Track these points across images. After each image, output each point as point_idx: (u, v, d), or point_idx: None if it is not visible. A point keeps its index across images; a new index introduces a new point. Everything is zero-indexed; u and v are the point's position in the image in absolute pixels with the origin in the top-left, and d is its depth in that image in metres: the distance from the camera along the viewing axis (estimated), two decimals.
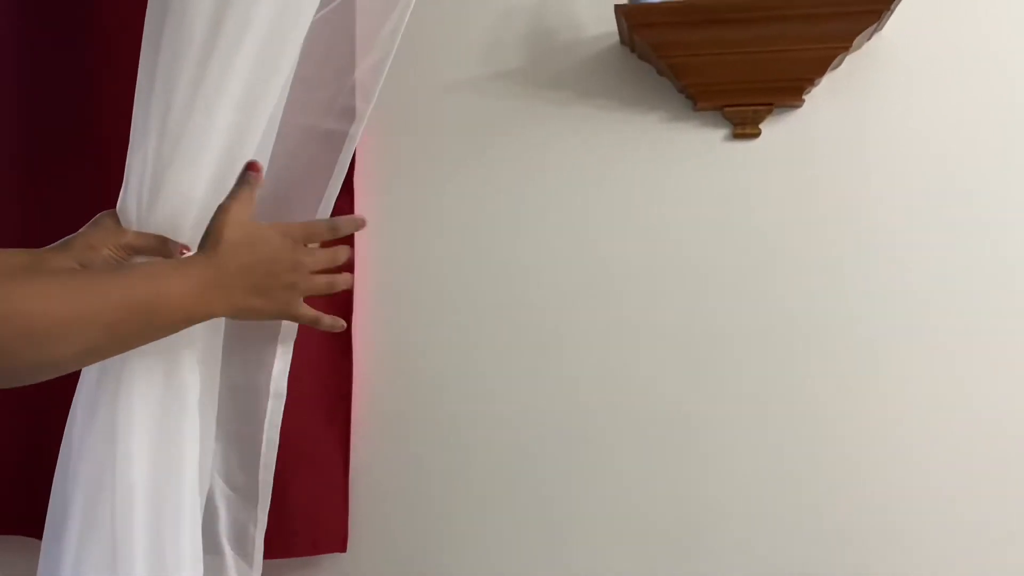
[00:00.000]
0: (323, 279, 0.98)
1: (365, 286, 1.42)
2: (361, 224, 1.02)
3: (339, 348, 1.40)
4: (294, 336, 1.14)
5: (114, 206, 1.02)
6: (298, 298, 0.95)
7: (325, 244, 1.01)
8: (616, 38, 1.38)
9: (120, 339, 0.80)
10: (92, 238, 0.96)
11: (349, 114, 1.10)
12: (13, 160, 1.48)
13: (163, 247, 0.96)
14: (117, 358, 0.90)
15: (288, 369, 1.13)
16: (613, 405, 1.37)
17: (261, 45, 0.96)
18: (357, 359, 1.41)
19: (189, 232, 0.97)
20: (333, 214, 1.39)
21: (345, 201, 1.40)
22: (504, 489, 1.39)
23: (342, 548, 1.39)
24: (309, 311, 0.98)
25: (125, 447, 0.92)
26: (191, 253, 0.95)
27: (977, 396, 1.28)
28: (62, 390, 1.40)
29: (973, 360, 1.28)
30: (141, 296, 0.80)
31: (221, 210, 0.91)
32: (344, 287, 1.00)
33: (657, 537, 1.35)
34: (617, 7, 1.29)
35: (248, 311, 0.91)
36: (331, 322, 1.01)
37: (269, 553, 1.35)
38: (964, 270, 1.29)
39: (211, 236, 0.90)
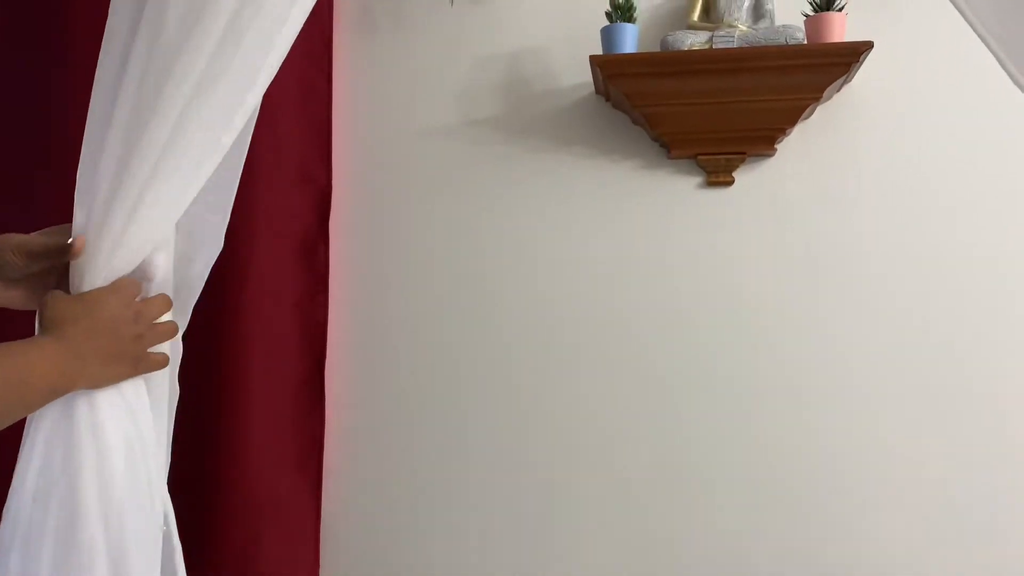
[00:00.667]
0: (168, 325, 0.97)
1: (339, 328, 1.41)
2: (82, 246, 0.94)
3: (312, 394, 1.38)
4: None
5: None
6: (146, 349, 0.94)
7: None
8: (591, 88, 1.40)
9: None
10: None
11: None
12: None
13: (65, 247, 0.93)
14: None
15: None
16: (586, 445, 1.36)
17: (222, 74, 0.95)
18: (329, 405, 1.40)
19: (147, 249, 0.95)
20: (310, 258, 1.40)
21: (320, 244, 1.41)
22: (477, 538, 1.37)
23: None
24: (158, 357, 0.96)
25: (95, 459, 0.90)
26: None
27: (926, 441, 1.29)
28: None
29: (936, 393, 1.30)
30: (10, 379, 0.82)
31: (52, 296, 0.92)
32: (177, 332, 0.98)
33: (647, 537, 1.34)
34: (592, 58, 1.31)
35: (109, 376, 0.91)
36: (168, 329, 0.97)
37: None
38: (934, 310, 1.31)
39: (48, 319, 0.90)
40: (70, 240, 0.92)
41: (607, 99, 1.40)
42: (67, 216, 0.97)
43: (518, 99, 1.43)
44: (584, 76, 1.38)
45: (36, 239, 0.94)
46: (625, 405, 1.36)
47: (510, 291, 1.40)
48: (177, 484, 1.02)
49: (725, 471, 1.33)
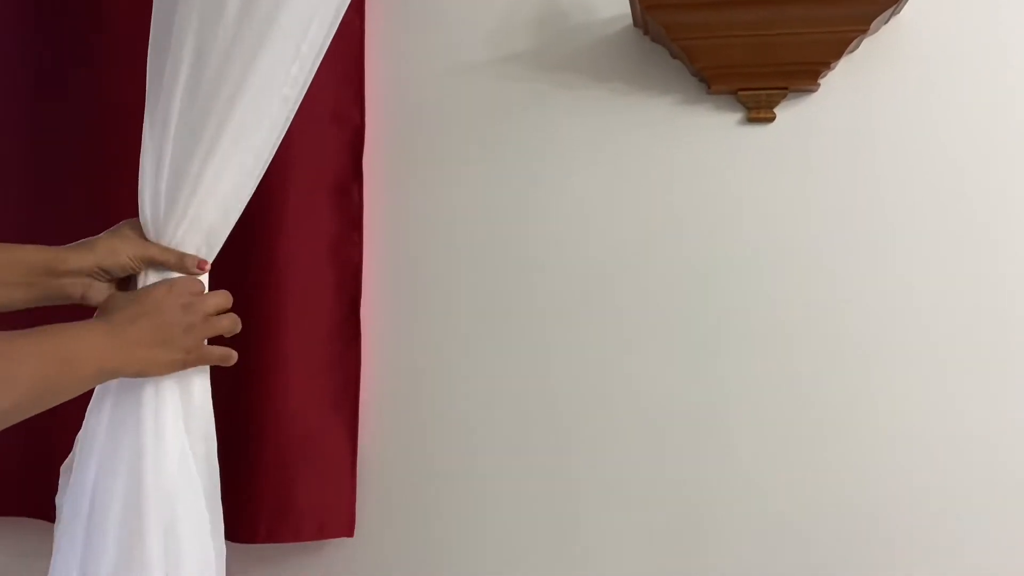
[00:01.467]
0: (225, 319, 1.02)
1: (373, 272, 1.41)
2: (194, 264, 1.02)
3: (347, 334, 1.39)
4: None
5: (124, 215, 1.04)
6: (201, 340, 0.99)
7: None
8: (629, 20, 1.36)
9: (40, 398, 0.85)
10: (114, 244, 1.00)
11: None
12: (24, 166, 1.47)
13: (180, 263, 1.00)
14: None
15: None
16: (618, 391, 1.35)
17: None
18: (365, 345, 1.40)
19: (204, 247, 1.02)
20: (343, 199, 1.39)
21: (355, 185, 1.40)
22: (511, 477, 1.38)
23: (349, 533, 1.39)
24: (215, 350, 1.01)
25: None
26: (207, 270, 1.02)
27: (978, 388, 1.27)
28: None
29: (979, 351, 1.27)
30: (59, 355, 0.85)
31: (111, 294, 0.99)
32: (238, 327, 1.04)
33: (659, 522, 1.34)
34: None
35: (157, 364, 0.95)
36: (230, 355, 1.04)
37: (276, 537, 1.36)
38: (975, 261, 1.27)
39: (102, 308, 0.97)
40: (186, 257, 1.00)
41: (645, 32, 1.36)
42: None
43: (553, 33, 1.39)
44: (622, 8, 1.34)
45: (154, 250, 1.00)
46: (660, 344, 1.34)
47: (545, 229, 1.38)
48: (215, 425, 1.04)
49: (756, 417, 1.32)
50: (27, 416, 0.85)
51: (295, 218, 1.36)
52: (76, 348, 0.88)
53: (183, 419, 0.99)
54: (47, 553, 1.43)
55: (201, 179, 0.98)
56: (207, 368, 1.03)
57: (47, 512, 1.43)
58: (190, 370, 1.00)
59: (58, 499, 1.03)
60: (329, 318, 1.38)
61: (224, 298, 1.02)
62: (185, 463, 0.98)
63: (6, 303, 0.96)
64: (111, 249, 0.98)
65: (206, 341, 1.00)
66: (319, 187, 1.38)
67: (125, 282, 1.02)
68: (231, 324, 1.02)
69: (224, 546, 1.04)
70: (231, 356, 1.03)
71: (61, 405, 1.37)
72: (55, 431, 1.41)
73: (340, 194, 1.40)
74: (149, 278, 1.00)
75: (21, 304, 0.97)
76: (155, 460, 0.96)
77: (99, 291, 1.00)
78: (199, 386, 1.01)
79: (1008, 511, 1.26)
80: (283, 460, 1.36)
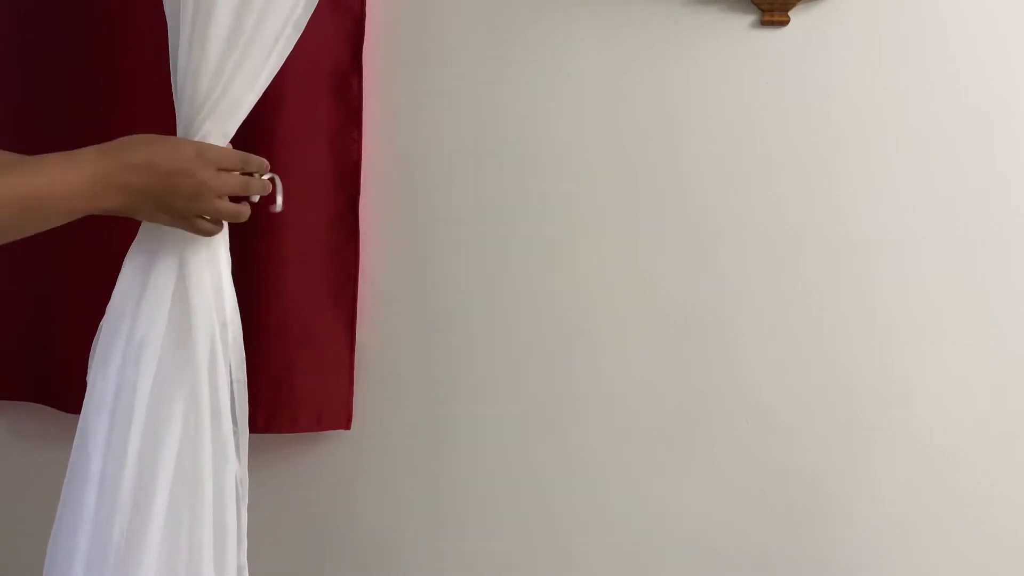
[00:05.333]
0: (231, 205, 0.98)
1: (372, 167, 1.39)
2: (260, 189, 1.02)
3: (346, 229, 1.38)
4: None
5: None
6: (196, 211, 0.96)
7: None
8: None
9: (5, 229, 0.84)
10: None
11: None
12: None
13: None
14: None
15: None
16: (620, 292, 1.36)
17: None
18: (364, 242, 1.40)
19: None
20: (342, 92, 1.36)
21: (354, 77, 1.36)
22: (508, 372, 1.40)
23: (346, 425, 1.41)
24: (207, 225, 0.99)
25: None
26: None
27: (977, 292, 1.29)
28: (62, 260, 1.40)
29: (980, 255, 1.28)
30: (26, 190, 0.84)
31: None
32: (261, 191, 1.01)
33: (657, 432, 1.36)
34: None
35: (143, 212, 0.94)
36: (236, 211, 0.99)
37: (274, 427, 1.38)
38: (984, 169, 1.27)
39: (114, 143, 0.93)
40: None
41: None
42: None
43: None
44: None
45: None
46: (666, 248, 1.34)
47: (549, 129, 1.36)
48: None
49: (755, 322, 1.33)
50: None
51: (292, 111, 1.33)
52: (52, 190, 0.86)
53: (213, 299, 1.01)
54: (47, 436, 1.48)
55: (236, 69, 0.99)
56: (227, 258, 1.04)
57: (46, 397, 1.46)
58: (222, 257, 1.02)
59: (89, 376, 1.04)
60: (327, 213, 1.37)
61: (244, 183, 1.00)
62: (214, 346, 1.01)
63: None
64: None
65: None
66: (317, 78, 1.35)
67: None
68: (233, 212, 0.99)
69: (247, 428, 1.07)
70: (215, 232, 1.00)
71: (64, 295, 1.38)
72: (55, 317, 1.43)
73: (339, 86, 1.37)
74: None
75: None
76: (182, 339, 0.98)
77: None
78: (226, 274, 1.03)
79: (1006, 421, 1.29)
80: (281, 352, 1.37)
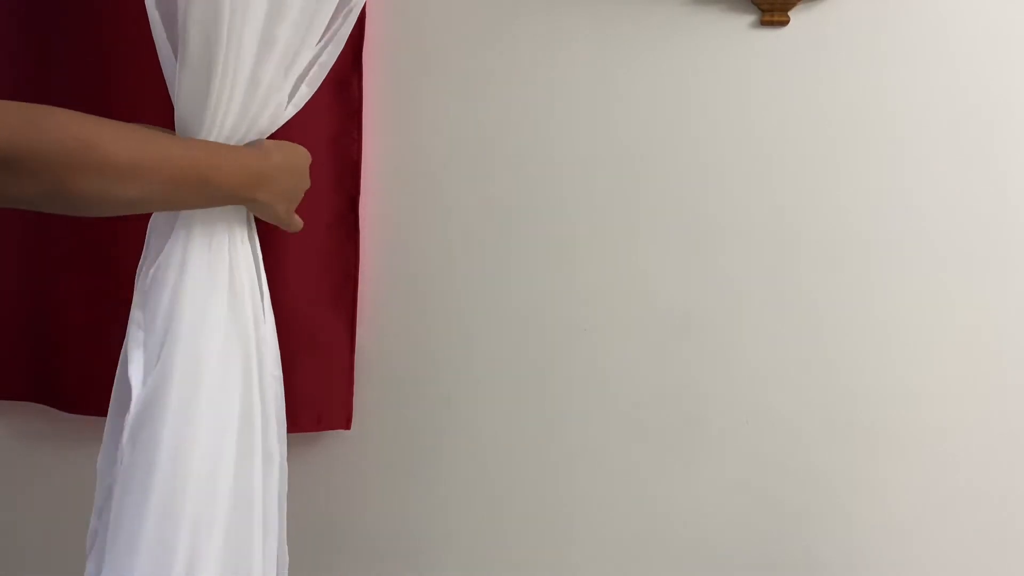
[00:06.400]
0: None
1: (372, 167, 1.39)
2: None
3: (346, 229, 1.38)
4: None
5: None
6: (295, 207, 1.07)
7: None
8: None
9: (172, 196, 0.89)
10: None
11: None
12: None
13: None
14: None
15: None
16: (620, 291, 1.36)
17: None
18: (365, 242, 1.40)
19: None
20: (342, 92, 1.36)
21: (354, 76, 1.36)
22: (509, 373, 1.40)
23: (346, 425, 1.41)
24: (298, 219, 1.09)
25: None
26: None
27: (976, 305, 1.29)
28: (63, 260, 1.40)
29: (980, 254, 1.29)
30: (200, 163, 0.90)
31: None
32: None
33: (657, 432, 1.36)
34: None
35: (277, 206, 1.02)
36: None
37: None
38: (983, 169, 1.27)
39: (258, 143, 1.02)
40: None
41: None
42: None
43: None
44: None
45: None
46: (665, 247, 1.34)
47: (550, 127, 1.36)
48: None
49: (755, 322, 1.33)
50: (148, 211, 0.95)
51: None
52: (220, 171, 0.92)
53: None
54: (47, 436, 1.48)
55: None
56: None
57: (47, 397, 1.46)
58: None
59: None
60: (327, 214, 1.37)
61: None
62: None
63: None
64: None
65: None
66: None
67: None
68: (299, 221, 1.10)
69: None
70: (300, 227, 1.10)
71: (64, 295, 1.38)
72: (56, 317, 1.43)
73: (339, 86, 1.36)
74: None
75: None
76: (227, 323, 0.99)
77: None
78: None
79: (1006, 420, 1.29)
80: (281, 351, 1.37)
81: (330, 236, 1.38)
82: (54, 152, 0.76)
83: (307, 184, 1.07)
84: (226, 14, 0.92)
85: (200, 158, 0.91)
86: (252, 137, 1.00)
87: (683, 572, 1.38)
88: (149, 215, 1.00)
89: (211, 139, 0.96)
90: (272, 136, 1.30)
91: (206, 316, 0.96)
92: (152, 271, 0.97)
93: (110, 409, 0.99)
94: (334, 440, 1.43)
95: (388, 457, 1.43)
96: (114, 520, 0.93)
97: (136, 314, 0.97)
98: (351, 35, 1.35)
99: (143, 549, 0.91)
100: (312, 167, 1.35)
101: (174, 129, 0.98)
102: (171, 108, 0.99)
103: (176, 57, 0.96)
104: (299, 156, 1.05)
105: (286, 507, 1.08)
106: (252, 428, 1.00)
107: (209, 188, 0.92)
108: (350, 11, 1.06)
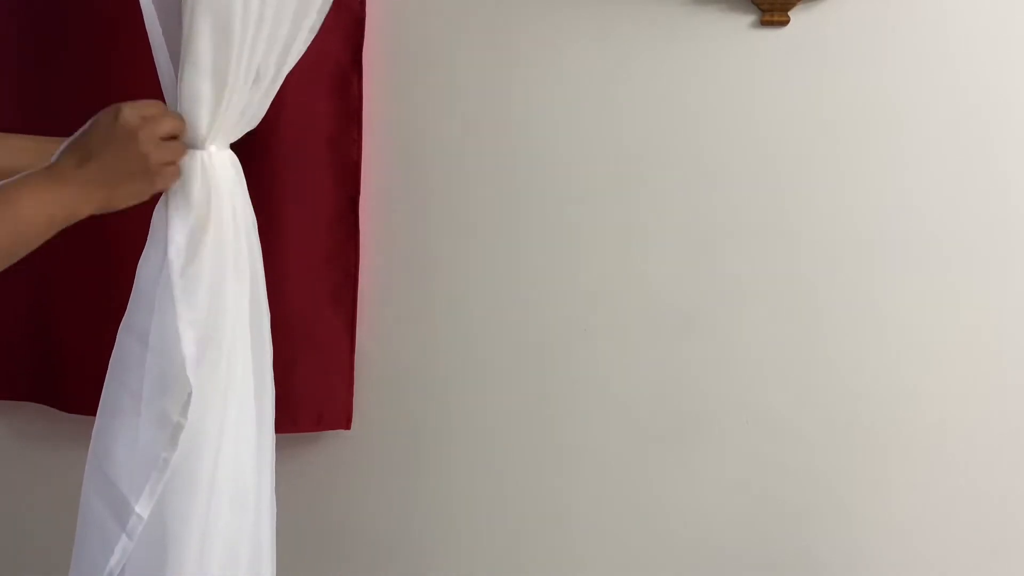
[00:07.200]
0: (177, 145, 0.95)
1: (372, 167, 1.40)
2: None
3: (346, 229, 1.38)
4: None
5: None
6: (158, 166, 0.93)
7: None
8: None
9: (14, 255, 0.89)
10: None
11: None
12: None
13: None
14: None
15: None
16: (621, 288, 1.36)
17: None
18: (365, 242, 1.40)
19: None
20: (342, 92, 1.36)
21: (354, 76, 1.36)
22: (509, 371, 1.40)
23: (346, 425, 1.41)
24: (174, 171, 0.95)
25: None
26: None
27: (979, 289, 1.29)
28: (63, 261, 1.40)
29: (981, 252, 1.28)
30: (5, 215, 0.86)
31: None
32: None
33: (657, 431, 1.37)
34: None
35: (124, 196, 0.93)
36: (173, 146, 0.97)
37: (274, 427, 1.38)
38: (985, 167, 1.27)
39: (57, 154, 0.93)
40: None
41: None
42: None
43: None
44: None
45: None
46: (667, 245, 1.34)
47: (549, 126, 1.36)
48: None
49: (755, 321, 1.33)
50: None
51: (292, 110, 1.33)
52: (18, 205, 0.87)
53: None
54: (47, 436, 1.48)
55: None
56: None
57: (48, 397, 1.46)
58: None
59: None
60: (327, 214, 1.37)
61: (178, 121, 0.95)
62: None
63: None
64: None
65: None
66: (317, 78, 1.35)
67: None
68: (180, 148, 0.95)
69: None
70: (178, 174, 0.96)
71: (65, 295, 1.37)
72: (56, 317, 1.43)
73: (339, 86, 1.36)
74: None
75: None
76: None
77: None
78: None
79: (1007, 420, 1.29)
80: (281, 352, 1.37)
81: (330, 236, 1.38)
82: None
83: (134, 141, 0.90)
84: (239, 10, 0.90)
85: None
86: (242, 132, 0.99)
87: (683, 572, 1.38)
88: (150, 215, 1.00)
89: (210, 139, 0.95)
90: (272, 137, 1.32)
91: (238, 307, 0.98)
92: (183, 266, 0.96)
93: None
94: (334, 440, 1.43)
95: (388, 457, 1.43)
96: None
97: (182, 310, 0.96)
98: (351, 35, 1.36)
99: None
100: (312, 167, 1.36)
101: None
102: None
103: (168, 50, 0.94)
104: (101, 143, 0.91)
105: (276, 507, 1.08)
106: (262, 428, 1.02)
107: (27, 234, 0.89)
108: None
